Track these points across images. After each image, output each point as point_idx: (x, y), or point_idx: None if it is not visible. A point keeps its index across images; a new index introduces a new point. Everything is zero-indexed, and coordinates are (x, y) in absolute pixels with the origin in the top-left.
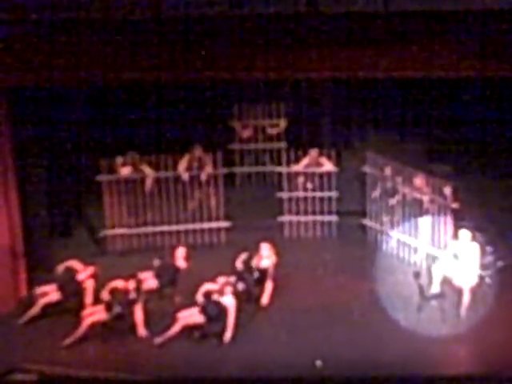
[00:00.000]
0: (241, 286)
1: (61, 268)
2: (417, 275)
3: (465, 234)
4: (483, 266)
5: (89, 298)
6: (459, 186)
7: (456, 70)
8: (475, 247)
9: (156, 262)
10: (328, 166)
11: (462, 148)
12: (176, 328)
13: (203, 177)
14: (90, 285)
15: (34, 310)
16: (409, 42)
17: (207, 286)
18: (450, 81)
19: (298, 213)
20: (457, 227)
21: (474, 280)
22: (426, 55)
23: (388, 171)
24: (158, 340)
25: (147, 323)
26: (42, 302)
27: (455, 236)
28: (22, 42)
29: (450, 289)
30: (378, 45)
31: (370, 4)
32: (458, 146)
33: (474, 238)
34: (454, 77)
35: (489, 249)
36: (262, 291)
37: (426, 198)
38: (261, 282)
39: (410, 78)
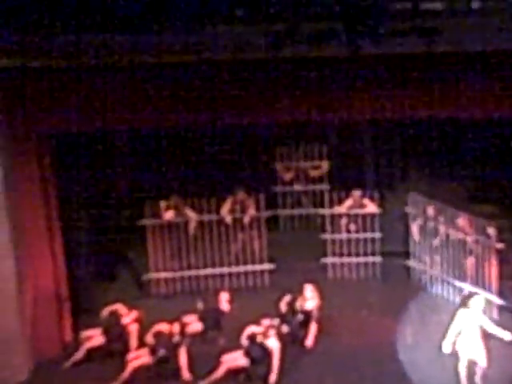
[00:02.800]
0: (285, 329)
1: (105, 312)
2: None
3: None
4: None
5: (133, 341)
6: (503, 226)
7: (499, 110)
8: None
9: (200, 305)
10: (371, 207)
11: (505, 187)
12: (220, 371)
13: (246, 219)
14: (134, 328)
15: (79, 354)
16: (451, 82)
17: (251, 329)
18: (494, 120)
19: (341, 254)
20: (501, 267)
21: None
22: (470, 95)
23: (431, 211)
24: (203, 383)
25: (191, 367)
26: (86, 346)
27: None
28: (65, 89)
29: None
30: (420, 85)
31: (412, 46)
32: (501, 185)
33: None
34: (498, 116)
35: None
36: (306, 333)
37: (469, 239)
38: (305, 324)
39: (452, 117)
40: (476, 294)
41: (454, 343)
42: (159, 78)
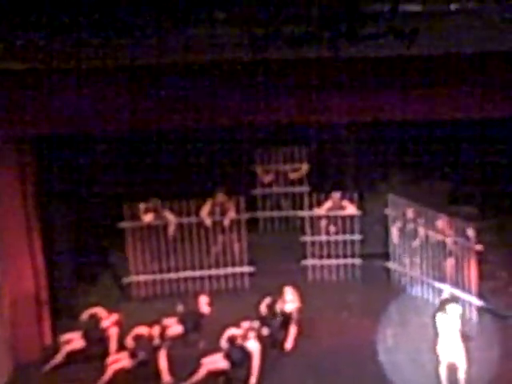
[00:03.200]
0: (265, 331)
1: (85, 315)
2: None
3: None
4: (508, 307)
5: (113, 344)
6: (482, 228)
7: (479, 111)
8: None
9: (180, 308)
10: (350, 209)
11: (484, 189)
12: (200, 374)
13: (226, 222)
14: (114, 332)
15: (59, 358)
16: (431, 85)
17: (231, 331)
18: (473, 122)
19: (321, 256)
20: (481, 269)
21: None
22: (448, 96)
23: (410, 213)
24: None
25: (172, 369)
26: (66, 349)
27: (479, 277)
28: (47, 91)
29: None
30: (400, 88)
31: (392, 48)
32: (480, 187)
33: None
34: (478, 117)
35: None
36: (286, 335)
37: (449, 240)
38: (285, 326)
39: (432, 119)
40: (453, 299)
41: (434, 347)
42: (140, 80)
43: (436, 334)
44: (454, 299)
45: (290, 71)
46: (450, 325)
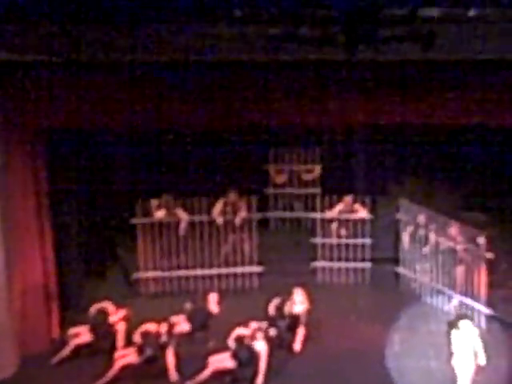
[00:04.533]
0: (273, 332)
1: (93, 310)
2: (451, 325)
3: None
4: None
5: (120, 340)
6: (493, 236)
7: (495, 118)
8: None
9: (188, 306)
10: (362, 212)
11: (496, 197)
12: (207, 372)
13: (237, 221)
14: (121, 327)
15: (66, 351)
16: (446, 90)
17: (239, 331)
18: (488, 129)
19: (331, 259)
20: (491, 277)
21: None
22: (463, 103)
23: (422, 219)
24: None
25: (178, 367)
26: (74, 342)
27: (489, 286)
28: (60, 85)
29: None
30: (415, 91)
31: (409, 52)
32: (492, 194)
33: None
34: (493, 124)
35: None
36: (294, 337)
37: (459, 247)
38: (293, 327)
39: (447, 124)
40: (465, 316)
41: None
42: (155, 77)
43: (450, 351)
44: (466, 315)
45: (305, 73)
46: (463, 341)
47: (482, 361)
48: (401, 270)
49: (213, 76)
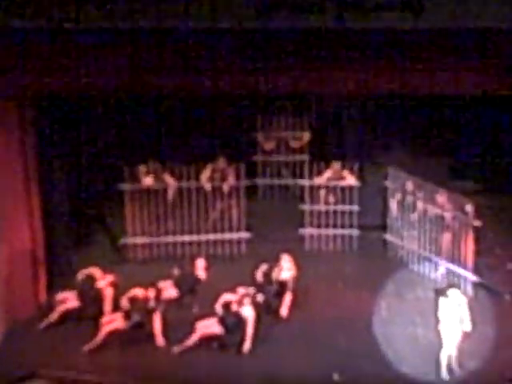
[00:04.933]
0: (260, 298)
1: (81, 275)
2: (437, 291)
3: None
4: (504, 283)
5: (108, 305)
6: (481, 204)
7: (483, 87)
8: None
9: (176, 272)
10: (350, 179)
11: (485, 165)
12: (194, 338)
13: (225, 188)
14: (109, 293)
15: (53, 316)
16: (434, 59)
17: (226, 297)
18: (476, 97)
19: (319, 226)
20: (478, 244)
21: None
22: (451, 72)
23: (410, 186)
24: (176, 349)
25: (166, 332)
26: (61, 308)
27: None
28: (49, 50)
29: None
30: (403, 61)
31: (398, 20)
32: (480, 163)
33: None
34: (479, 93)
35: (509, 266)
36: (281, 303)
37: (447, 215)
38: (280, 293)
39: (434, 94)
40: (452, 285)
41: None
42: (146, 43)
43: (436, 318)
44: (453, 284)
45: (294, 41)
46: (449, 308)
47: (468, 327)
48: (388, 237)
49: (202, 44)
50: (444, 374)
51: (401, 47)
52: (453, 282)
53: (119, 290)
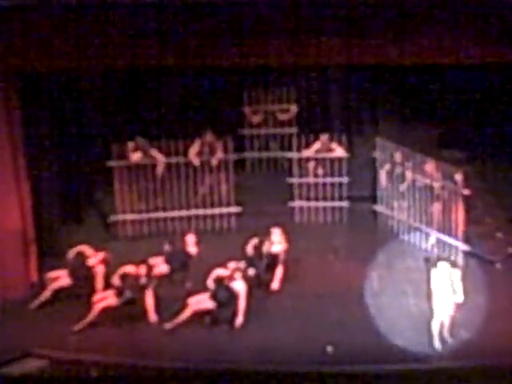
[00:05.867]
0: (251, 272)
1: (72, 253)
2: (427, 261)
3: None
4: (495, 252)
5: (99, 283)
6: (470, 173)
7: (468, 57)
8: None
9: (167, 248)
10: (339, 151)
11: (473, 134)
12: (186, 313)
13: (214, 162)
14: (100, 270)
15: (45, 295)
16: (420, 30)
17: (218, 272)
18: (463, 67)
19: (308, 198)
20: (468, 214)
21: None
22: (438, 42)
23: (398, 157)
24: (169, 325)
25: (158, 308)
26: (52, 286)
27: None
28: (34, 28)
29: None
30: (389, 32)
31: None
32: (469, 131)
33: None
34: (466, 63)
35: (499, 235)
36: (272, 276)
37: (436, 185)
38: (271, 267)
39: (421, 64)
40: (443, 258)
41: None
42: (128, 16)
43: (428, 289)
44: (445, 257)
45: (280, 12)
46: (441, 278)
47: (460, 298)
48: (378, 208)
49: (187, 17)
50: (436, 343)
51: (386, 17)
52: (443, 251)
53: (110, 267)
